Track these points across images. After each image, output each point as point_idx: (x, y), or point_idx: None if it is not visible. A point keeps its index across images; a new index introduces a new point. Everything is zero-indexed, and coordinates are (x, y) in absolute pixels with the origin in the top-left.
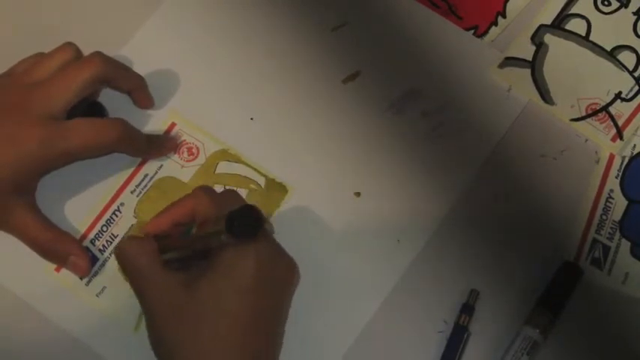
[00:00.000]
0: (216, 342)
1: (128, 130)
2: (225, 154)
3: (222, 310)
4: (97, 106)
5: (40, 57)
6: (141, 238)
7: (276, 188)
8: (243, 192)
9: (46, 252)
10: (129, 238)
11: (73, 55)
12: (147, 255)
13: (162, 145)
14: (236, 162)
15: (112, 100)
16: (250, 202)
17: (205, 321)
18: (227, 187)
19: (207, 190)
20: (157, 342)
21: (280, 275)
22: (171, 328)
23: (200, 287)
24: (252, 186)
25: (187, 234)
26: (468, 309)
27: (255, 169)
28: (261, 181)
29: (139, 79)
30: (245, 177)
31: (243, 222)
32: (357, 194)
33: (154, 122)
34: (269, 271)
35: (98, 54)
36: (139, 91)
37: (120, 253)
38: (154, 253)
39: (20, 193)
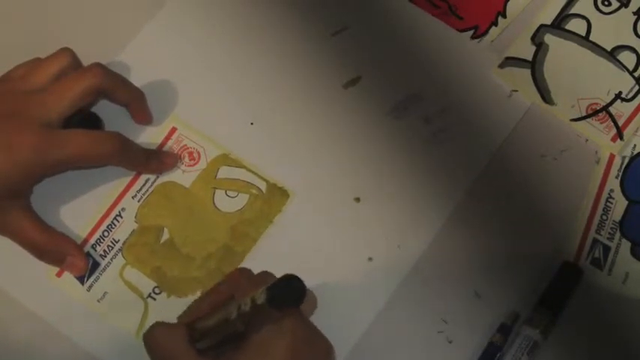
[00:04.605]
0: None
1: (124, 144)
2: (226, 159)
3: None
4: (92, 116)
5: (36, 62)
6: (170, 324)
7: (278, 193)
8: (244, 197)
9: (42, 253)
10: (158, 324)
11: (69, 61)
12: (177, 342)
13: (161, 161)
14: (237, 167)
15: (109, 108)
16: (252, 206)
17: None
18: (261, 272)
19: (245, 273)
20: None
21: (316, 356)
22: None
23: None
24: (254, 191)
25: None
26: (505, 329)
27: (256, 174)
28: (263, 185)
29: (138, 93)
30: (246, 182)
31: (284, 292)
32: (357, 199)
33: (155, 127)
34: (305, 351)
35: (98, 65)
36: (136, 105)
37: (149, 338)
38: (183, 340)
39: (14, 197)
